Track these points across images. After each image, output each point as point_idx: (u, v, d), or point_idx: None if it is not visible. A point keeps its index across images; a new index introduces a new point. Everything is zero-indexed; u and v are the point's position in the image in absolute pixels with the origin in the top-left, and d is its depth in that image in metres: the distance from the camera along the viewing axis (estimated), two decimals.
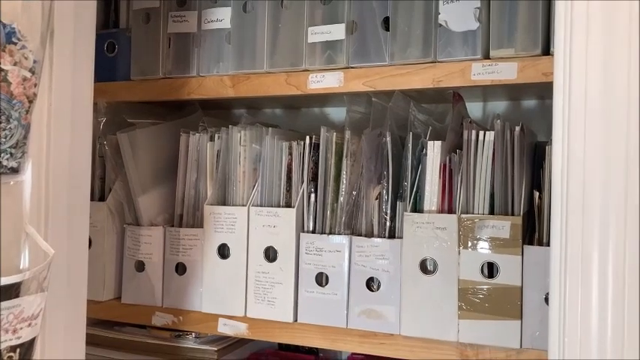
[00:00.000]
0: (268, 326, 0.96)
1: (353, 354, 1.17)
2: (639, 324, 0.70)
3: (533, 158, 0.93)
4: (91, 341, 1.10)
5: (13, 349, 0.52)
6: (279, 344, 1.23)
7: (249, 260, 0.98)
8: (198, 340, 1.06)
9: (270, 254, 0.98)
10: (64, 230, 0.74)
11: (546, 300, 0.80)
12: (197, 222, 1.04)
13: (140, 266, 1.06)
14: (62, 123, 0.71)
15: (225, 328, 0.99)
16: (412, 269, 0.87)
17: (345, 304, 0.92)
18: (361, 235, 0.92)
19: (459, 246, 0.85)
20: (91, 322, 1.15)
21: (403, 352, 0.88)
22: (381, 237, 0.91)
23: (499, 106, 1.12)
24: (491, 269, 0.84)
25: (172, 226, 1.05)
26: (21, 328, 0.53)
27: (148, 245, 1.05)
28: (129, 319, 1.07)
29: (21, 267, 0.62)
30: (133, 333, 1.11)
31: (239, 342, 1.11)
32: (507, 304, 0.82)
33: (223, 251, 1.01)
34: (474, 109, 1.11)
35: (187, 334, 1.08)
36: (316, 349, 1.20)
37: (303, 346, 1.20)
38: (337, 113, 1.24)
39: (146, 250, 1.05)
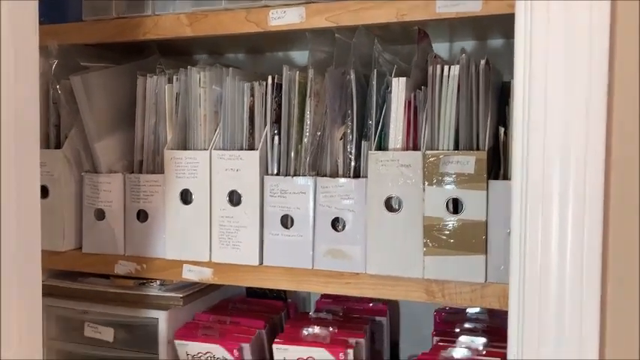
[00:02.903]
0: (234, 270, 0.95)
1: (322, 297, 1.17)
2: (598, 256, 0.71)
3: (500, 97, 0.92)
4: (54, 293, 1.08)
5: None
6: (247, 291, 1.23)
7: (213, 205, 0.96)
8: (164, 288, 1.05)
9: (234, 198, 0.95)
10: (11, 180, 0.70)
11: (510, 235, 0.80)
12: (157, 168, 1.01)
13: (100, 215, 1.03)
14: (3, 66, 0.67)
15: (190, 274, 0.97)
16: (377, 208, 0.86)
17: (311, 245, 0.91)
18: (326, 176, 0.91)
19: (424, 183, 0.84)
20: (53, 274, 1.13)
21: (369, 291, 0.88)
22: (345, 177, 0.90)
23: (465, 46, 1.10)
24: (456, 205, 0.84)
25: (132, 172, 1.02)
26: None
27: (108, 193, 1.02)
28: (91, 269, 1.05)
29: None
30: (96, 283, 1.08)
31: (206, 289, 1.10)
32: (472, 239, 0.82)
33: (186, 197, 0.98)
34: (440, 49, 1.09)
35: (152, 282, 1.06)
36: (284, 294, 1.20)
37: (271, 292, 1.20)
38: (302, 57, 1.20)
39: (106, 198, 1.02)
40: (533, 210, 0.73)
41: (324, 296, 1.18)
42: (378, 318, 1.09)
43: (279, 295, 1.20)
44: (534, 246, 0.73)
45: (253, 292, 1.22)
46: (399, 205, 0.86)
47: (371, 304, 1.13)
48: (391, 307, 1.15)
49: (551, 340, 0.73)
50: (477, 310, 1.08)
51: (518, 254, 0.74)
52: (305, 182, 0.91)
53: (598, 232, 0.70)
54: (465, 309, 1.10)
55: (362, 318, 1.07)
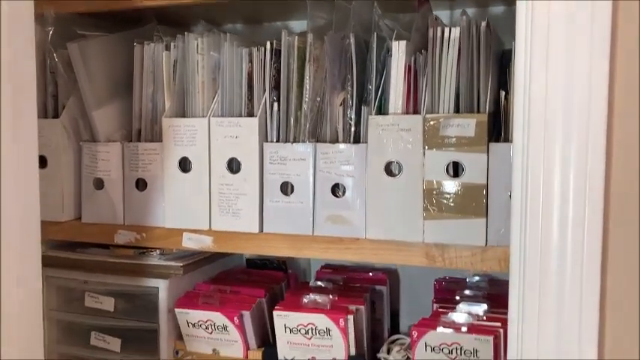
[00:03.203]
0: (234, 238, 0.95)
1: (322, 268, 1.17)
2: (600, 217, 0.70)
3: (500, 63, 0.91)
4: (54, 263, 1.08)
5: None
6: (247, 262, 1.23)
7: (212, 173, 0.95)
8: (164, 257, 1.05)
9: (234, 166, 0.95)
10: (10, 150, 0.69)
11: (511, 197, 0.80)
12: (156, 136, 1.00)
13: (99, 184, 1.03)
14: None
15: (190, 242, 0.97)
16: (377, 173, 0.86)
17: (311, 211, 0.91)
18: (326, 142, 0.90)
19: (424, 147, 0.83)
20: (53, 246, 1.12)
21: (369, 256, 0.88)
22: (345, 143, 0.89)
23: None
24: (456, 169, 0.83)
25: (130, 141, 1.02)
26: None
27: (106, 162, 1.02)
28: (91, 239, 1.05)
29: None
30: (96, 254, 1.08)
31: (205, 260, 1.10)
32: (473, 202, 0.82)
33: (184, 165, 0.98)
34: (441, 16, 1.08)
35: (152, 252, 1.06)
36: (285, 265, 1.20)
37: (271, 264, 1.20)
38: (300, 26, 1.19)
39: (104, 167, 1.02)
40: (534, 172, 0.72)
41: (325, 266, 1.18)
42: (378, 287, 1.09)
43: (280, 266, 1.20)
44: (535, 208, 0.73)
45: (253, 264, 1.22)
46: (399, 170, 0.85)
47: (371, 274, 1.13)
48: (391, 277, 1.15)
49: (553, 301, 0.72)
50: (477, 278, 1.08)
51: (519, 217, 0.74)
52: (305, 149, 0.91)
53: (600, 192, 0.70)
54: (465, 278, 1.10)
55: (362, 287, 1.07)
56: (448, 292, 1.03)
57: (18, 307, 0.71)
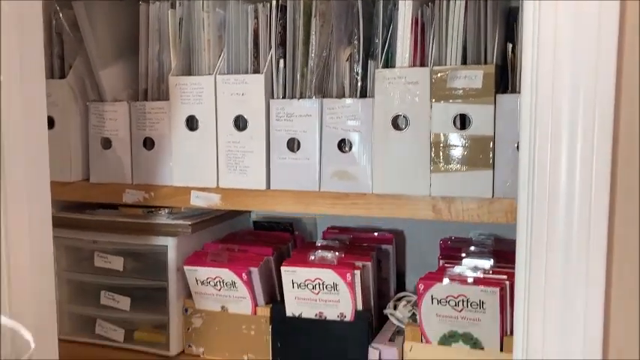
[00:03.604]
0: (241, 195, 0.95)
1: (328, 229, 1.18)
2: (608, 168, 0.70)
3: (507, 20, 0.91)
4: (63, 224, 1.09)
5: None
6: (255, 225, 1.24)
7: (219, 130, 0.96)
8: (172, 216, 1.05)
9: (240, 123, 0.95)
10: (18, 111, 0.69)
11: (518, 148, 0.80)
12: (162, 95, 1.00)
13: (107, 144, 1.03)
14: None
15: (198, 200, 0.98)
16: (384, 127, 0.86)
17: (318, 167, 0.91)
18: (332, 98, 0.90)
19: (431, 100, 0.83)
20: (61, 207, 1.13)
21: (375, 211, 0.88)
22: (352, 97, 0.89)
23: None
24: (463, 121, 0.83)
25: (137, 101, 1.02)
26: None
27: (113, 122, 1.02)
28: (99, 199, 1.06)
29: None
30: (104, 214, 1.09)
31: (213, 220, 1.11)
32: (480, 154, 0.82)
33: (191, 123, 0.98)
34: None
35: (160, 211, 1.07)
36: (291, 227, 1.21)
37: (278, 225, 1.21)
38: None
39: (112, 126, 1.02)
40: (542, 123, 0.72)
41: (331, 228, 1.19)
42: (384, 246, 1.10)
43: (287, 227, 1.21)
44: (543, 159, 0.73)
45: (260, 226, 1.23)
46: (406, 124, 0.85)
47: (376, 234, 1.14)
48: (397, 238, 1.15)
49: (560, 250, 0.73)
50: (483, 236, 1.08)
51: (527, 168, 0.74)
52: (311, 104, 0.91)
53: (607, 144, 0.70)
54: (470, 237, 1.11)
55: (369, 246, 1.08)
56: (454, 250, 1.04)
57: (30, 268, 0.72)
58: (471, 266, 0.92)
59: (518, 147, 0.81)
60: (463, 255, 0.99)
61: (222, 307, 1.02)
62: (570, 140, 0.71)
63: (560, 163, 0.72)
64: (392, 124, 0.86)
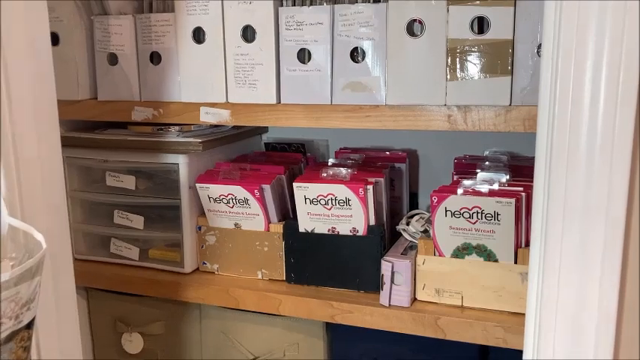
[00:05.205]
0: (251, 110, 0.93)
1: (340, 149, 1.17)
2: (636, 76, 0.67)
3: None
4: (73, 144, 1.09)
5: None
6: (266, 146, 1.23)
7: (227, 42, 0.93)
8: (182, 134, 1.04)
9: (248, 34, 0.92)
10: (20, 27, 0.66)
11: (538, 52, 0.77)
12: (168, 7, 0.97)
13: (113, 59, 1.01)
14: None
15: (208, 116, 0.96)
16: (398, 33, 0.82)
17: (329, 79, 0.88)
18: (344, 3, 0.86)
19: (448, 2, 0.79)
20: (71, 128, 1.12)
21: (389, 123, 0.86)
22: (365, 2, 0.85)
23: None
24: (481, 25, 0.79)
25: (142, 13, 0.98)
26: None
27: (119, 36, 0.99)
28: (108, 117, 1.04)
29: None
30: (114, 133, 1.08)
31: (224, 139, 1.09)
32: (498, 60, 0.78)
33: (198, 35, 0.95)
34: None
35: (170, 129, 1.05)
36: (303, 147, 1.19)
37: (290, 146, 1.19)
38: None
39: (117, 41, 0.99)
40: (568, 19, 0.68)
41: (343, 148, 1.17)
42: (397, 164, 1.09)
43: (299, 148, 1.19)
44: (567, 61, 0.69)
45: (272, 147, 1.22)
46: (422, 30, 0.82)
47: (389, 153, 1.12)
48: (411, 157, 1.14)
49: (583, 156, 0.70)
50: (498, 153, 1.06)
51: (549, 71, 0.70)
52: (322, 11, 0.87)
53: (636, 47, 0.66)
54: (485, 156, 1.09)
55: (382, 164, 1.06)
56: (469, 167, 1.02)
57: (41, 188, 0.71)
58: (487, 179, 0.90)
59: (538, 51, 0.77)
60: (478, 171, 0.97)
61: (236, 225, 1.02)
62: (596, 43, 0.67)
63: (585, 66, 0.69)
64: (407, 30, 0.82)
